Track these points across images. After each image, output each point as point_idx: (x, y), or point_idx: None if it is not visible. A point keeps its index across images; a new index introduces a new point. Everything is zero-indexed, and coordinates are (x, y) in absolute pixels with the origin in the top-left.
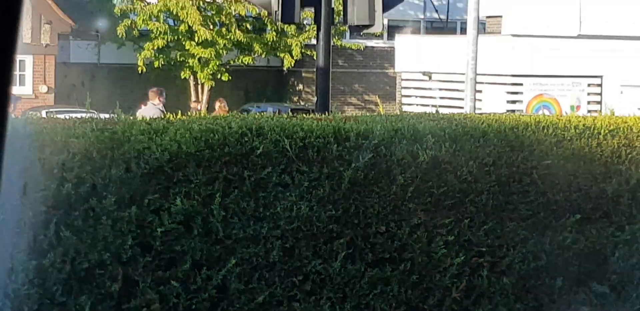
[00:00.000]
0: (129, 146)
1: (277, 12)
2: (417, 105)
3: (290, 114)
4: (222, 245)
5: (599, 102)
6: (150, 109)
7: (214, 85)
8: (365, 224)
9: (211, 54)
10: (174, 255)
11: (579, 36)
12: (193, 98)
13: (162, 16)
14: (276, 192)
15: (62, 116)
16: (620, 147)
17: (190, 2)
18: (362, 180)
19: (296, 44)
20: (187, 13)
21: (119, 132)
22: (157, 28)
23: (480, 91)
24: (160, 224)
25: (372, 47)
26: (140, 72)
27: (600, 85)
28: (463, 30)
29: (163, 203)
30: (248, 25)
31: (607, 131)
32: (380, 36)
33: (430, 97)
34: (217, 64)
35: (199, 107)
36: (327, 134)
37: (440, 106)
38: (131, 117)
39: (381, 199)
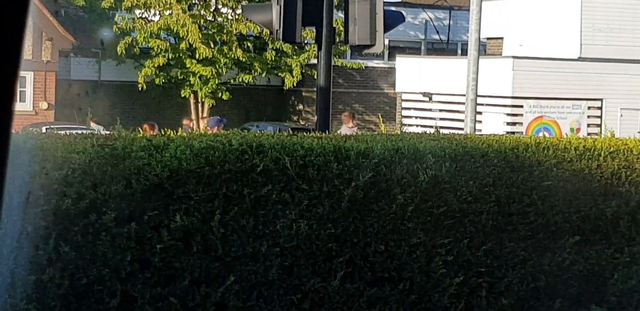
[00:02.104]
0: (129, 162)
1: (278, 31)
2: (417, 126)
3: (291, 133)
4: (221, 262)
5: (599, 125)
6: (346, 132)
7: (214, 103)
8: (364, 243)
9: (211, 72)
10: (172, 272)
11: (580, 59)
12: (193, 116)
13: (161, 34)
14: (276, 210)
15: (62, 133)
16: (620, 169)
17: (191, 20)
18: (362, 199)
19: (297, 64)
20: (187, 31)
21: (119, 149)
22: (158, 46)
23: (480, 113)
24: (159, 241)
25: (373, 67)
26: (140, 89)
27: (600, 108)
28: (464, 52)
29: (163, 219)
30: (249, 44)
31: (607, 153)
32: (380, 56)
33: (430, 118)
34: (217, 82)
35: (191, 125)
36: (328, 153)
37: (440, 127)
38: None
39: (381, 218)
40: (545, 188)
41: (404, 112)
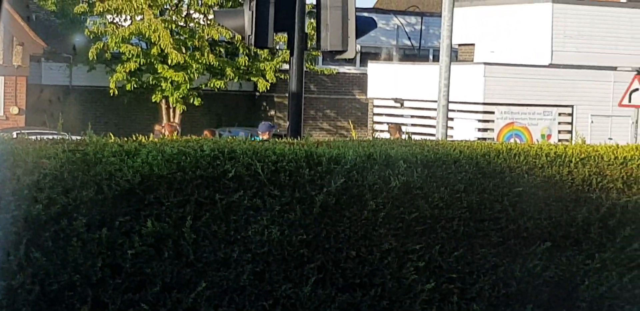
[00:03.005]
0: (100, 167)
1: (250, 37)
2: (388, 131)
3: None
4: (192, 268)
5: (570, 131)
6: None
7: (185, 109)
8: (336, 249)
9: (183, 77)
10: (144, 277)
11: (551, 65)
12: (164, 122)
13: (133, 39)
14: (247, 215)
15: (33, 137)
16: (591, 176)
17: (163, 25)
18: (334, 205)
19: (270, 68)
20: (159, 36)
21: (90, 154)
22: (130, 51)
23: (451, 119)
24: (130, 247)
25: (345, 73)
26: (112, 95)
27: (571, 114)
28: (435, 58)
29: (134, 225)
30: (221, 50)
31: (578, 159)
32: (352, 62)
33: (402, 124)
34: (188, 87)
35: (163, 131)
36: (299, 159)
37: (412, 133)
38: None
39: (352, 224)
40: (516, 194)
41: (376, 118)
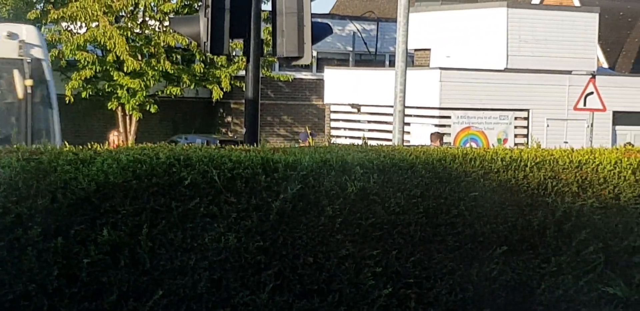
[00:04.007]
0: (55, 176)
1: (206, 44)
2: (345, 137)
3: (219, 145)
4: (149, 276)
5: (526, 135)
6: None
7: (142, 116)
8: (293, 255)
9: (139, 84)
10: (100, 286)
11: (506, 70)
12: (121, 129)
13: (88, 46)
14: (204, 223)
15: None
16: (546, 180)
17: (118, 32)
18: (291, 211)
19: (225, 76)
20: (114, 43)
21: (45, 162)
22: (85, 58)
23: (408, 124)
24: (86, 255)
25: (301, 78)
26: (67, 102)
27: (526, 118)
28: (392, 63)
29: (90, 233)
30: (177, 56)
31: (533, 164)
32: (309, 68)
33: (359, 130)
34: (145, 94)
35: (120, 138)
36: (256, 165)
37: (368, 138)
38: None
39: (309, 231)
40: (472, 198)
41: (333, 124)
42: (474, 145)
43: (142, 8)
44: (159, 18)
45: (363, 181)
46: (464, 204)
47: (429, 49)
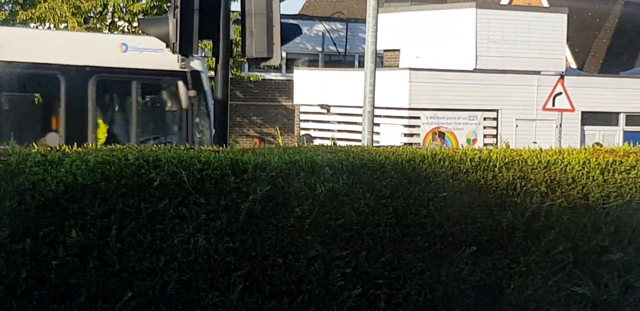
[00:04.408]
0: (23, 177)
1: (175, 44)
2: (315, 138)
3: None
4: (118, 278)
5: (495, 136)
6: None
7: None
8: (262, 256)
9: None
10: (69, 288)
11: (475, 70)
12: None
13: None
14: (173, 224)
15: None
16: (515, 180)
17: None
18: (260, 212)
19: None
20: None
21: (13, 164)
22: None
23: (377, 125)
24: (55, 257)
25: (271, 79)
26: None
27: (496, 119)
28: (361, 64)
29: (58, 235)
30: None
31: (502, 164)
32: (278, 69)
33: (329, 130)
34: None
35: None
36: (225, 166)
37: (338, 139)
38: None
39: (279, 232)
40: (441, 199)
41: (302, 125)
42: (444, 146)
43: (111, 9)
44: (128, 19)
45: (332, 181)
46: (433, 204)
47: (398, 50)
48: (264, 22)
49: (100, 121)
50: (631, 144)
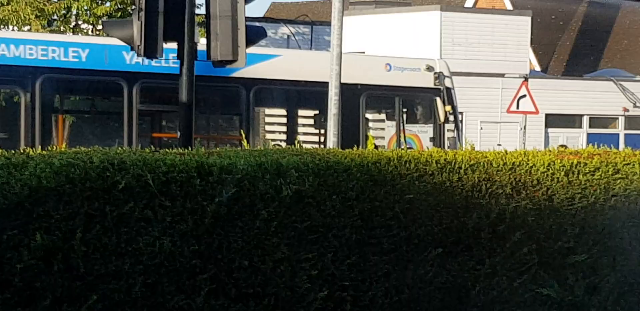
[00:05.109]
0: None
1: (139, 47)
2: (280, 140)
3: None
4: (83, 281)
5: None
6: None
7: (75, 119)
8: (228, 259)
9: None
10: (33, 292)
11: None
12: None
13: None
14: (138, 227)
15: None
16: (480, 182)
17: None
18: (226, 215)
19: None
20: None
21: None
22: None
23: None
24: (19, 260)
25: None
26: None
27: (460, 121)
28: None
29: (22, 238)
30: None
31: (467, 166)
32: None
33: (294, 133)
34: None
35: None
36: (190, 169)
37: (303, 142)
38: None
39: (245, 234)
40: (407, 201)
41: (267, 127)
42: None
43: (75, 12)
44: (92, 22)
45: (298, 184)
46: (399, 206)
47: (363, 52)
48: (229, 25)
49: (369, 134)
50: (595, 146)
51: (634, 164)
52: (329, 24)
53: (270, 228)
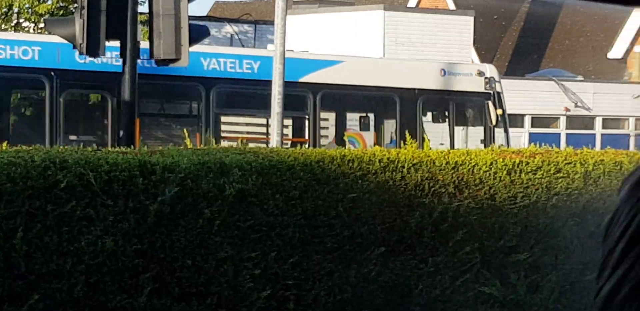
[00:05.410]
0: None
1: (82, 45)
2: (223, 139)
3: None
4: (24, 280)
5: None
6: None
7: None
8: (171, 258)
9: None
10: None
11: None
12: None
13: None
14: (80, 226)
15: None
16: (423, 181)
17: None
18: (169, 214)
19: None
20: None
21: None
22: None
23: (287, 126)
24: None
25: None
26: None
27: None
28: None
29: None
30: None
31: (410, 165)
32: None
33: (238, 132)
34: None
35: None
36: (133, 168)
37: (247, 141)
38: None
39: (188, 233)
40: (350, 200)
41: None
42: (351, 147)
43: (16, 9)
44: (34, 20)
45: (241, 183)
46: (342, 205)
47: (306, 51)
48: (172, 23)
49: (425, 136)
50: (537, 145)
51: (575, 164)
52: (272, 23)
53: (213, 227)
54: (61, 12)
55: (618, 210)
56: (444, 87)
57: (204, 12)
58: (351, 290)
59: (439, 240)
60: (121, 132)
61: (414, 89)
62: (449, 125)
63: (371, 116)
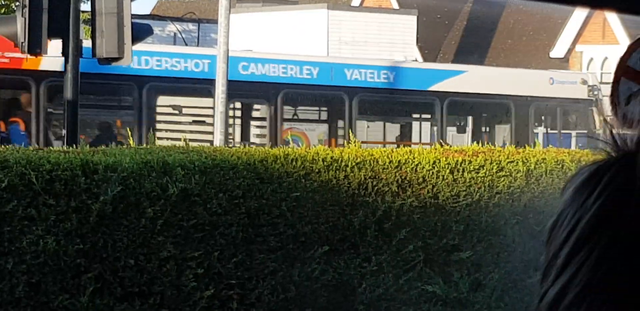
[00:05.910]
0: None
1: (23, 44)
2: (167, 139)
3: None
4: None
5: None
6: None
7: None
8: (114, 258)
9: None
10: None
11: None
12: None
13: None
14: (22, 226)
15: None
16: (366, 180)
17: None
18: (111, 213)
19: None
20: None
21: None
22: None
23: (231, 126)
24: None
25: None
26: None
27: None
28: None
29: None
30: None
31: (354, 164)
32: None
33: (181, 131)
34: None
35: None
36: (75, 167)
37: (190, 140)
38: None
39: (130, 233)
40: (294, 199)
41: (158, 126)
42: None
43: None
44: None
45: (184, 182)
46: (286, 204)
47: (250, 50)
48: (114, 22)
49: (536, 140)
50: (480, 144)
51: (517, 162)
52: (216, 21)
53: (156, 227)
54: (3, 11)
55: (562, 213)
56: (553, 94)
57: (147, 11)
58: (295, 289)
59: (382, 239)
60: (64, 131)
61: (526, 96)
62: (558, 129)
63: (485, 121)
